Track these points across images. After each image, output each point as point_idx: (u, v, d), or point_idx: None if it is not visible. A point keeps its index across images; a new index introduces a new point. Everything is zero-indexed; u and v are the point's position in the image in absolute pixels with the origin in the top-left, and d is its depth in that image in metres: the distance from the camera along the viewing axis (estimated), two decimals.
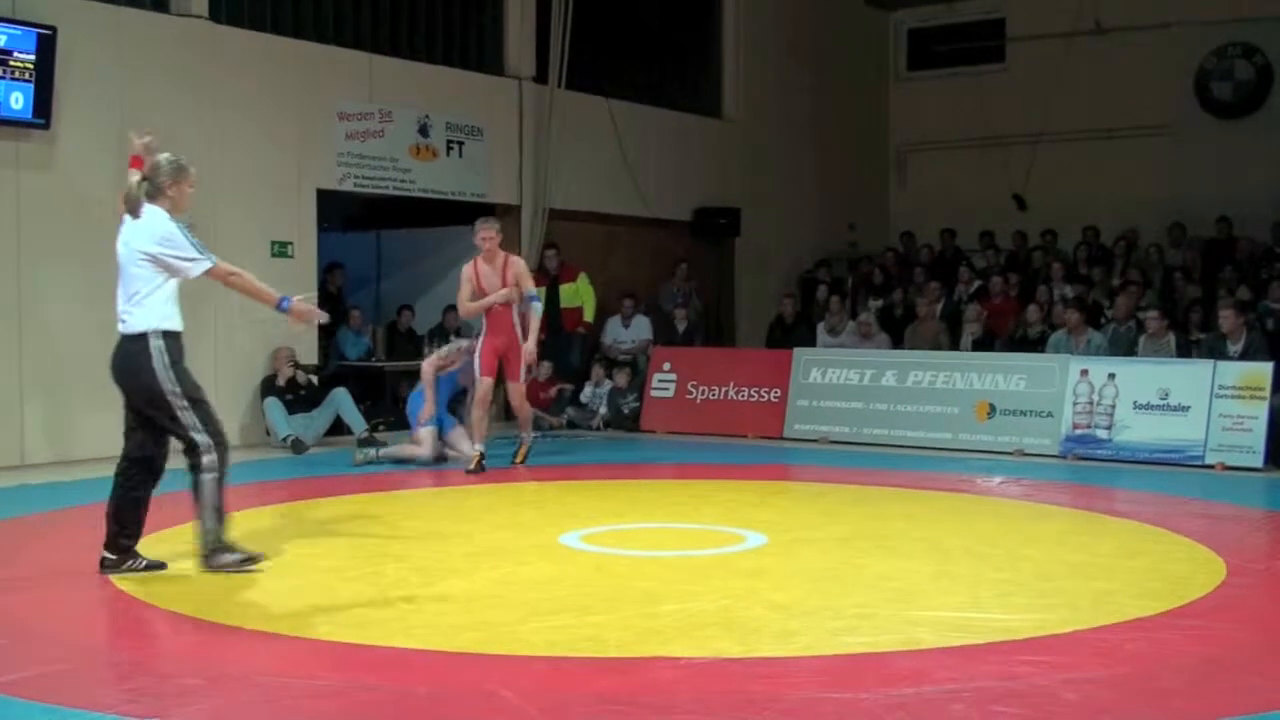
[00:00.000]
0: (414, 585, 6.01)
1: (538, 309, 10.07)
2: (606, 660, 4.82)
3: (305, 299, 6.41)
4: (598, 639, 5.07)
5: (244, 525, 7.88)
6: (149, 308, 6.14)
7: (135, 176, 6.25)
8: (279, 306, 6.20)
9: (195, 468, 6.17)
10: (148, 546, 6.43)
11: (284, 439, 11.29)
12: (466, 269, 10.04)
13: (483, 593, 5.93)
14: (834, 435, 12.26)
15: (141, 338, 6.11)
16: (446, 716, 4.11)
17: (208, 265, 6.11)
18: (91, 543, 7.02)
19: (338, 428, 11.90)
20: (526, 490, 9.45)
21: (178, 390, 6.10)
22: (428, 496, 8.90)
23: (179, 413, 6.11)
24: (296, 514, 8.30)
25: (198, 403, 6.17)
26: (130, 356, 6.15)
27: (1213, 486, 9.57)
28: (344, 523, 7.78)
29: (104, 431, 10.80)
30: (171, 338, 6.15)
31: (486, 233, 10.05)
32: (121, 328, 6.20)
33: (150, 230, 6.11)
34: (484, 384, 10.01)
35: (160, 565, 6.26)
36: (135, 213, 6.17)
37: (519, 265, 10.20)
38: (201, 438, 6.14)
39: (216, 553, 6.12)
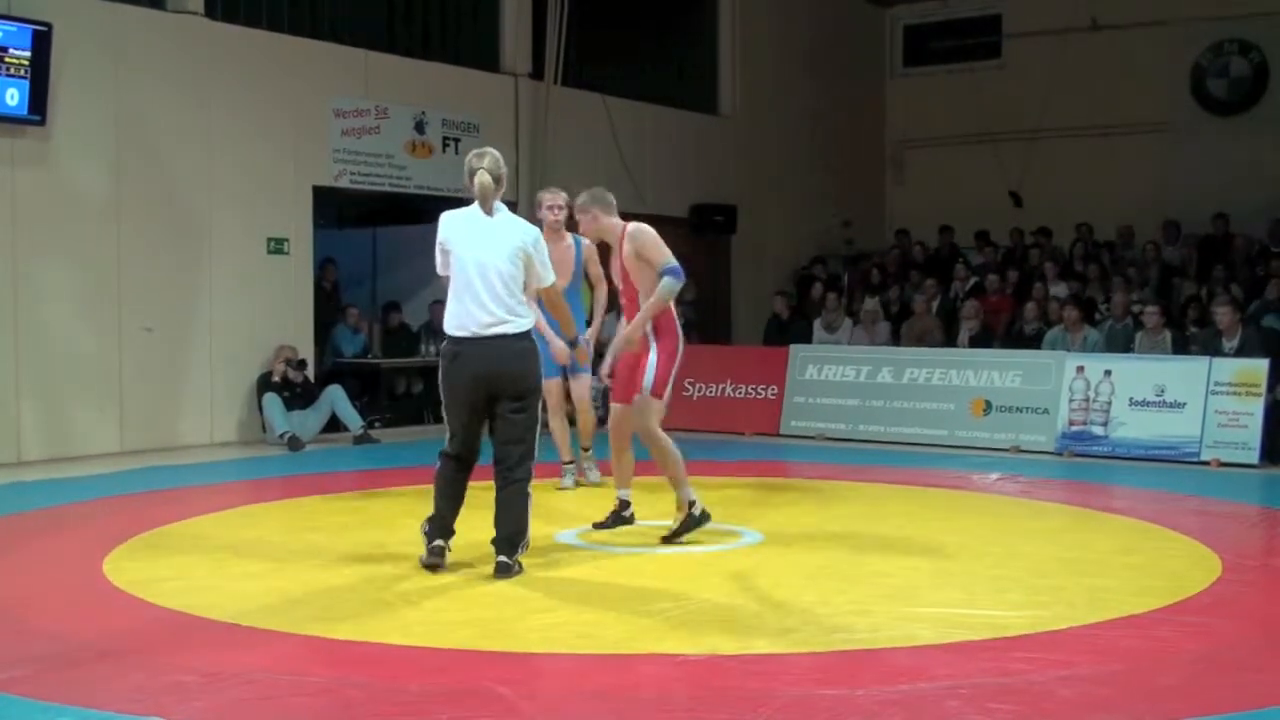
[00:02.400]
0: (409, 582, 6.01)
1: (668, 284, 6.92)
2: (602, 657, 4.82)
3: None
4: (593, 636, 5.07)
5: (241, 522, 7.90)
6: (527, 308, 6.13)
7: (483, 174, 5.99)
8: (572, 343, 7.11)
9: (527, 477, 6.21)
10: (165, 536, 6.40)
11: (281, 436, 11.29)
12: None
13: (479, 589, 5.93)
14: (830, 432, 12.26)
15: (526, 336, 6.06)
16: (442, 713, 4.11)
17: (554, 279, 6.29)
18: (89, 539, 7.02)
19: (334, 425, 11.91)
20: None
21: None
22: (423, 493, 8.88)
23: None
24: (293, 511, 8.30)
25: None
26: (522, 355, 6.03)
27: (1208, 483, 9.58)
28: (340, 519, 7.78)
29: (99, 428, 10.85)
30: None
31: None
32: (505, 328, 5.97)
33: (526, 229, 6.12)
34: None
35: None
36: (490, 209, 6.04)
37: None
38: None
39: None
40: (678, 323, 6.94)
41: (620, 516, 7.21)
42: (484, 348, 5.97)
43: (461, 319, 6.00)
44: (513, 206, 15.26)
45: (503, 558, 6.04)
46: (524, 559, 6.21)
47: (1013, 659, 4.72)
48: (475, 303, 5.96)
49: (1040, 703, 4.24)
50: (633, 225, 6.99)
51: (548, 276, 6.19)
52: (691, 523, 6.79)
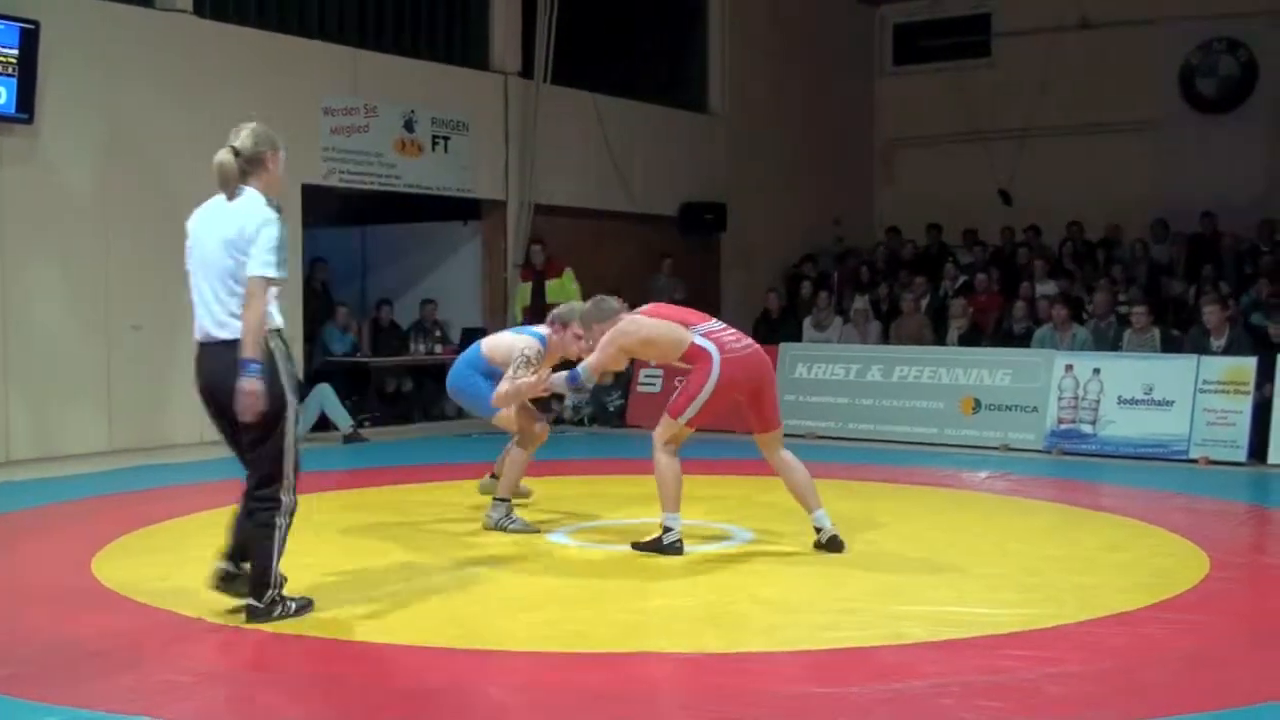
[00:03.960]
0: (397, 581, 6.00)
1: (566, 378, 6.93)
2: (592, 655, 4.83)
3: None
4: (583, 634, 5.08)
5: (231, 521, 7.87)
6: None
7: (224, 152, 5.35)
8: (245, 364, 5.02)
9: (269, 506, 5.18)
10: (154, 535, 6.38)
11: None
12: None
13: (467, 588, 5.93)
14: (820, 430, 12.27)
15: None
16: (431, 712, 4.11)
17: (274, 275, 5.13)
18: (77, 538, 7.01)
19: (323, 424, 11.88)
20: None
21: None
22: (413, 492, 8.89)
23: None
24: None
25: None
26: (235, 368, 5.04)
27: (1197, 481, 9.61)
28: (328, 519, 7.76)
29: (88, 427, 10.82)
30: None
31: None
32: (222, 333, 5.15)
33: (249, 215, 5.17)
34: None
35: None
36: (231, 193, 5.27)
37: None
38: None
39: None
40: (714, 353, 6.60)
41: (817, 543, 6.79)
42: (202, 357, 5.25)
43: (196, 322, 5.27)
44: (501, 205, 14.94)
45: (251, 601, 5.17)
46: (510, 555, 6.18)
47: (1002, 657, 4.73)
48: (200, 304, 5.22)
49: (1029, 700, 4.25)
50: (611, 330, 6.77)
51: (258, 266, 5.06)
52: (658, 547, 6.53)
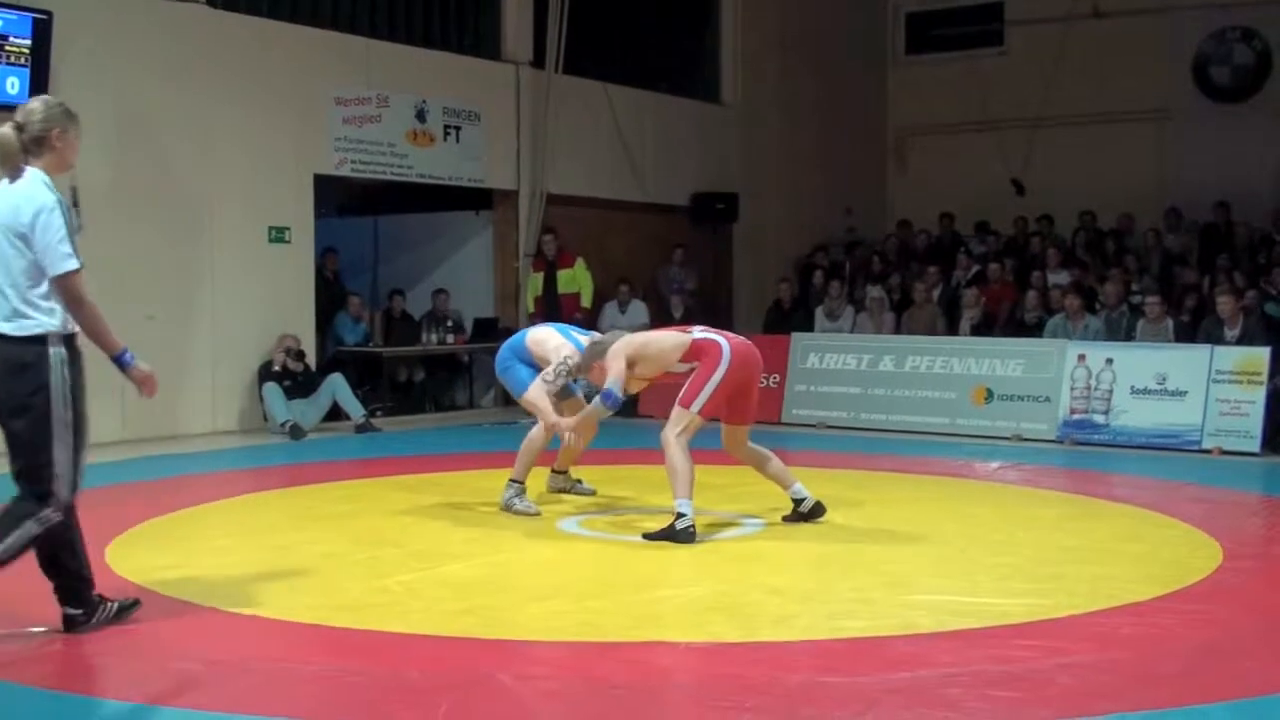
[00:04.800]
0: (411, 570, 6.02)
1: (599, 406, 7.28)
2: (604, 645, 4.83)
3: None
4: (596, 624, 5.08)
5: (243, 511, 7.91)
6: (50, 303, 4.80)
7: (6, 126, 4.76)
8: (119, 359, 5.07)
9: (29, 515, 4.75)
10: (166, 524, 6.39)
11: (282, 425, 11.29)
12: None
13: (480, 577, 5.94)
14: (832, 420, 12.26)
15: (31, 341, 4.77)
16: (444, 701, 4.12)
17: (75, 266, 4.80)
18: (91, 527, 7.03)
19: (335, 414, 11.91)
20: None
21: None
22: (426, 482, 8.91)
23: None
24: (294, 500, 8.31)
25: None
26: (11, 365, 4.74)
27: (1210, 471, 9.59)
28: (341, 508, 7.79)
29: (101, 417, 10.80)
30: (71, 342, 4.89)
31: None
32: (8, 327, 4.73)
33: (29, 198, 4.70)
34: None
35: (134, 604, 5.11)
36: (13, 174, 4.73)
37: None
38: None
39: None
40: (724, 342, 6.82)
41: (799, 514, 7.13)
42: None
43: None
44: (513, 195, 14.87)
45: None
46: (522, 544, 6.16)
47: (1014, 647, 4.73)
48: None
49: (1041, 690, 4.25)
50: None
51: (56, 263, 4.73)
52: (671, 535, 6.54)
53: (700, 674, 4.51)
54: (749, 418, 7.07)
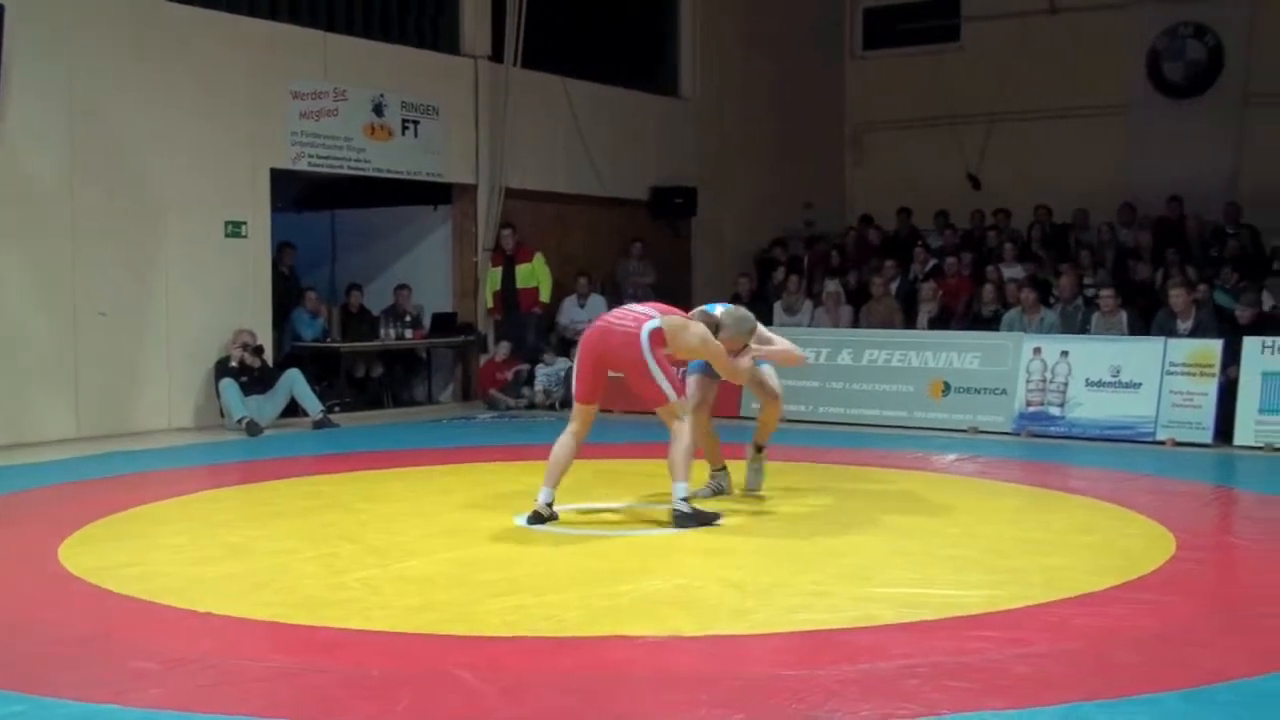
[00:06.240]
0: (370, 567, 6.00)
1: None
2: (564, 640, 4.83)
3: None
4: (555, 619, 5.08)
5: (199, 508, 7.85)
6: None
7: None
8: None
9: None
10: (121, 522, 6.33)
11: (239, 421, 11.21)
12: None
13: (439, 573, 5.93)
14: (790, 414, 12.24)
15: None
16: (403, 697, 4.11)
17: None
18: (45, 525, 6.97)
19: (293, 410, 11.84)
20: (483, 471, 9.43)
21: None
22: (384, 478, 8.87)
23: None
24: (251, 496, 8.26)
25: None
26: None
27: (1163, 462, 9.69)
28: (299, 504, 7.74)
29: (55, 414, 10.75)
30: None
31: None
32: None
33: None
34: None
35: None
36: None
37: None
38: None
39: None
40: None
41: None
42: None
43: None
44: (471, 189, 14.97)
45: None
46: (481, 540, 6.15)
47: (970, 638, 4.76)
48: None
49: (997, 680, 4.28)
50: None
51: None
52: (697, 517, 6.90)
53: (659, 668, 4.52)
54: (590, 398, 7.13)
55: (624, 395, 7.33)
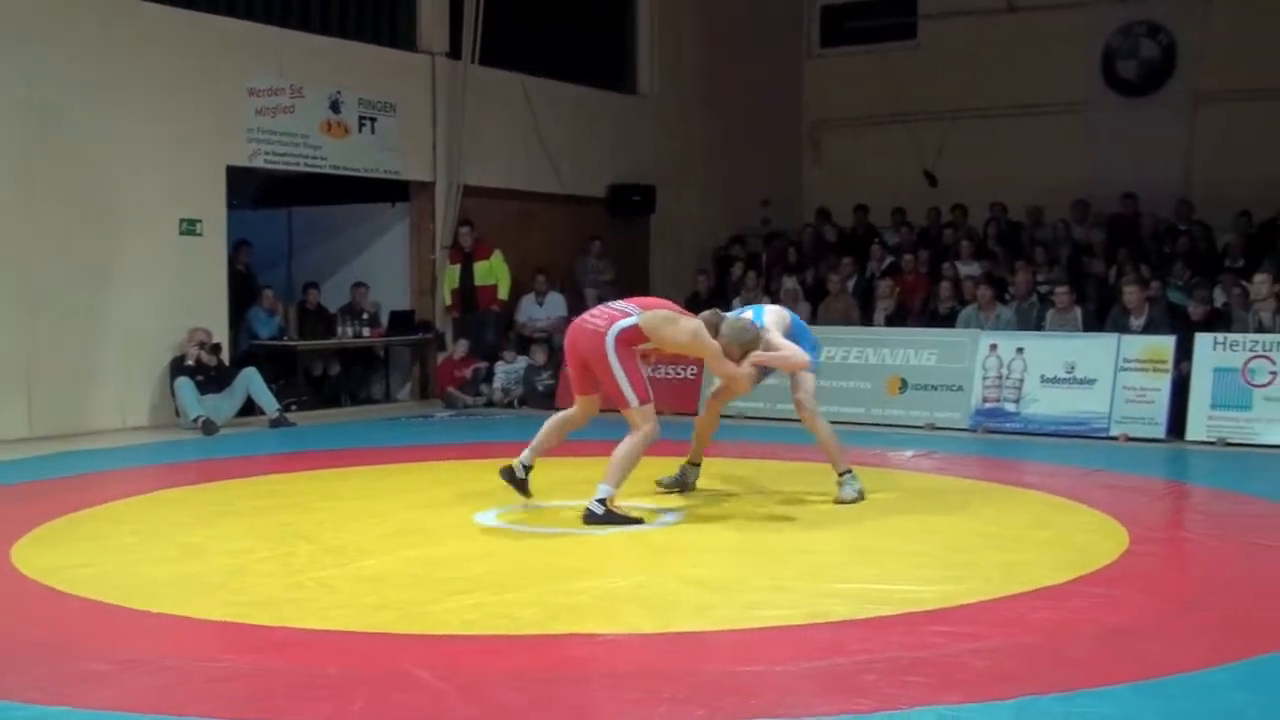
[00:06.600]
0: (327, 566, 5.97)
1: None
2: (522, 638, 4.83)
3: None
4: (513, 617, 5.08)
5: (154, 508, 7.79)
6: None
7: None
8: None
9: None
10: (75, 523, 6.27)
11: (194, 420, 11.13)
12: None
13: (397, 572, 5.91)
14: (748, 411, 12.31)
15: None
16: (359, 696, 4.09)
17: None
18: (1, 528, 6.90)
19: (249, 408, 11.76)
20: (441, 469, 9.40)
21: None
22: (341, 476, 8.83)
23: None
24: (207, 496, 8.20)
25: None
26: None
27: (1117, 458, 9.78)
28: (255, 504, 7.69)
29: (7, 413, 10.63)
30: None
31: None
32: None
33: None
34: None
35: None
36: None
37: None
38: None
39: None
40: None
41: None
42: None
43: None
44: (429, 187, 14.89)
45: None
46: (439, 538, 6.14)
47: (927, 633, 4.79)
48: None
49: (953, 674, 4.31)
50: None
51: None
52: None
53: (617, 665, 4.52)
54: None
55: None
